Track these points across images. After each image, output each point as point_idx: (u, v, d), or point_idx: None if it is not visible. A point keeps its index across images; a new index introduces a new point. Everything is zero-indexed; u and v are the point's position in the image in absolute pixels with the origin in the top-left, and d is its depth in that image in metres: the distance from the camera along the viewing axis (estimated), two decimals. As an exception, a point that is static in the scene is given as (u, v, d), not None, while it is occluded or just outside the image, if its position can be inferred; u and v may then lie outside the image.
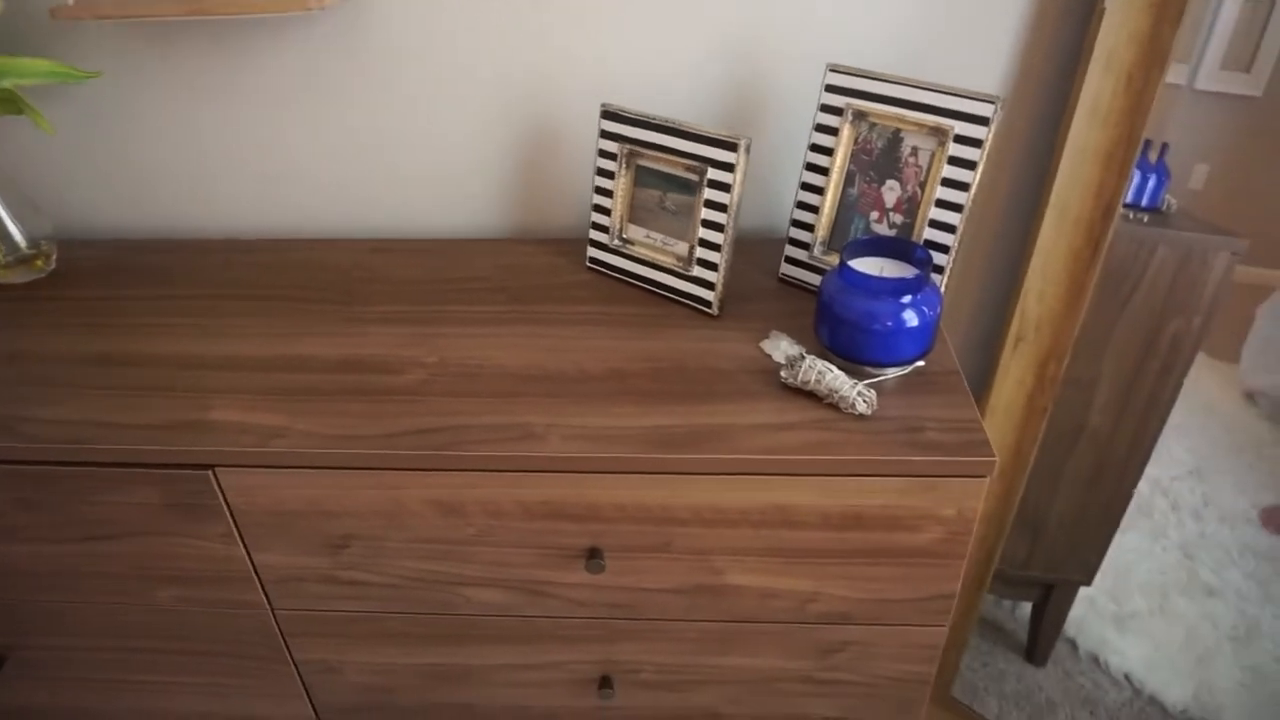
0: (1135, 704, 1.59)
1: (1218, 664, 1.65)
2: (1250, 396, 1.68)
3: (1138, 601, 1.76)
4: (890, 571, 0.88)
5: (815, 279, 1.02)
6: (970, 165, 0.89)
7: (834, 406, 0.85)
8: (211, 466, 0.86)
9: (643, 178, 1.02)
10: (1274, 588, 1.74)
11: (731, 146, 0.93)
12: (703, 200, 0.96)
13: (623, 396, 0.88)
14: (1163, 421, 1.41)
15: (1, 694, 1.09)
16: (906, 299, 0.85)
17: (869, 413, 0.84)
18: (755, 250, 1.11)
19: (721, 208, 0.95)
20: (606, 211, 1.05)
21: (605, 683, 1.00)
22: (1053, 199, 1.04)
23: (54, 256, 1.13)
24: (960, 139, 0.89)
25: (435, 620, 0.96)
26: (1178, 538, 1.84)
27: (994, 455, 0.79)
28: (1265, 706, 1.58)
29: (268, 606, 0.97)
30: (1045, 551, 1.55)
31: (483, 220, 1.20)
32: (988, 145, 0.88)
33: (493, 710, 1.05)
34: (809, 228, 1.01)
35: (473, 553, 0.90)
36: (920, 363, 0.90)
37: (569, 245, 1.15)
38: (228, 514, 0.89)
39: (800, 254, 1.03)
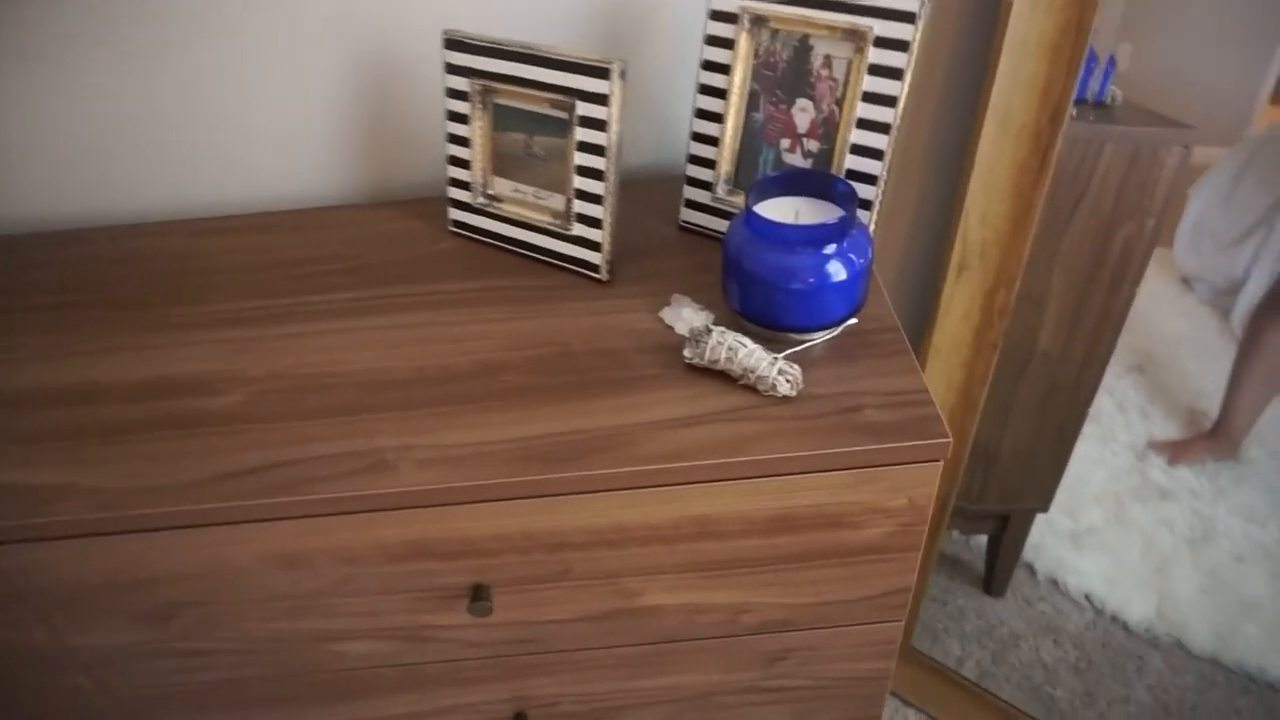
0: (1098, 625, 1.52)
1: (1177, 572, 1.59)
2: (1187, 282, 1.58)
3: (1093, 514, 1.69)
4: (832, 573, 0.74)
5: (722, 225, 0.85)
6: (895, 74, 0.72)
7: (752, 388, 0.69)
8: (-26, 545, 0.67)
9: (503, 119, 0.83)
10: (1223, 480, 1.68)
11: (603, 73, 0.74)
12: (575, 142, 0.78)
13: (494, 399, 0.71)
14: (1116, 334, 1.30)
15: None
16: (830, 248, 0.69)
17: (794, 394, 0.68)
18: (650, 192, 0.94)
19: (599, 150, 0.77)
20: (464, 164, 0.86)
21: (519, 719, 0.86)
22: (992, 104, 0.88)
23: None
24: (882, 42, 0.72)
25: (307, 679, 0.80)
26: (1127, 439, 1.77)
27: (948, 435, 0.65)
28: (1226, 612, 1.53)
29: (97, 689, 0.80)
30: (999, 483, 1.45)
31: (331, 185, 0.99)
32: (915, 48, 0.71)
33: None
34: (709, 163, 0.84)
35: (332, 605, 0.74)
36: (852, 320, 0.74)
37: (432, 206, 0.95)
38: (20, 597, 0.71)
39: (701, 195, 0.86)
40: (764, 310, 0.72)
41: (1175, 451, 1.73)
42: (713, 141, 0.83)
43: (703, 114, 0.82)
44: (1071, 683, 1.42)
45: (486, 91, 0.81)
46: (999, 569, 1.54)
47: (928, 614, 1.51)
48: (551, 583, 0.74)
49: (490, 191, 0.86)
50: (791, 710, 0.89)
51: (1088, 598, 1.55)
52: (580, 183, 0.79)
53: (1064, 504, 1.68)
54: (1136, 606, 1.53)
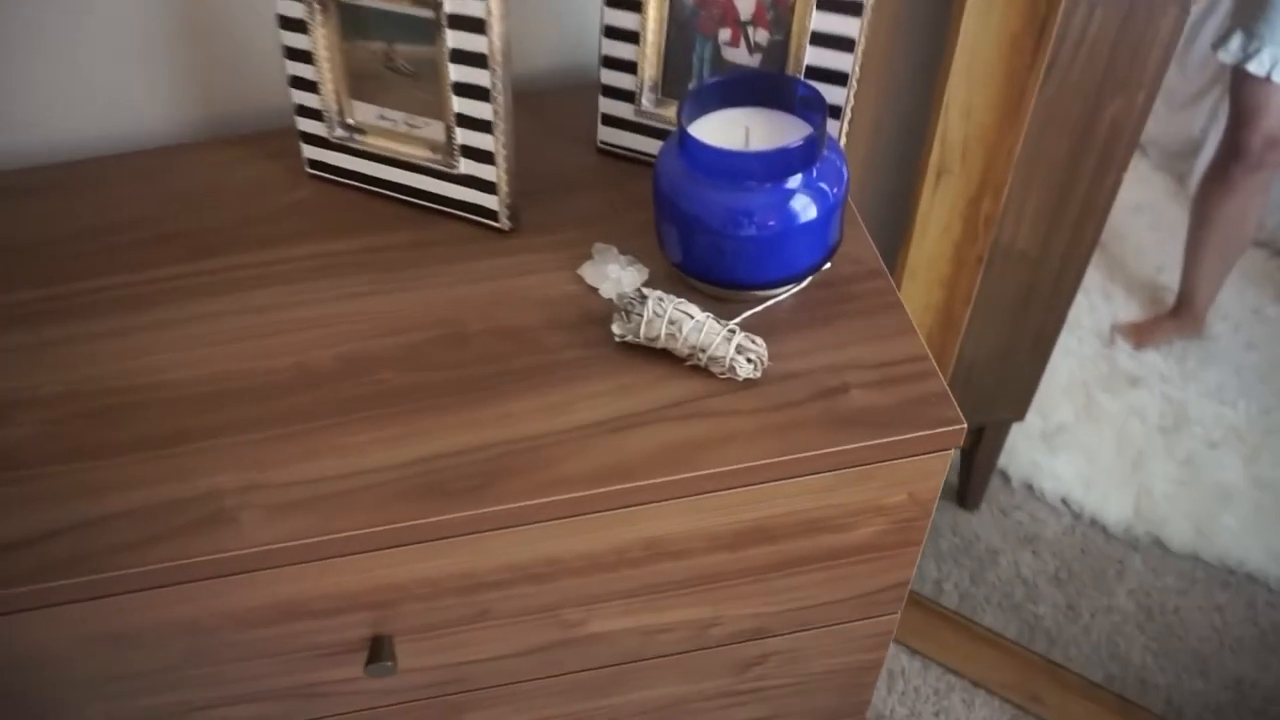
0: (1077, 530, 1.45)
1: (1152, 465, 1.52)
2: (1140, 147, 1.44)
3: (1064, 410, 1.60)
4: (815, 578, 0.61)
5: (651, 145, 0.67)
6: (868, -69, 0.53)
7: (704, 369, 0.53)
8: None
9: (352, 23, 0.62)
10: (1190, 363, 1.60)
11: (470, -50, 0.54)
12: (447, 50, 0.58)
13: (368, 408, 0.54)
14: (1099, 229, 1.15)
15: None
16: (794, 180, 0.52)
17: (758, 375, 0.52)
18: (560, 105, 0.74)
19: (479, 60, 0.57)
20: (311, 86, 0.65)
21: (457, 754, 0.73)
22: (978, -37, 0.70)
23: None
24: (847, -115, 0.53)
25: (184, 749, 0.65)
26: (1090, 324, 1.67)
27: (961, 419, 0.50)
28: (1204, 503, 1.47)
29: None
30: (973, 395, 1.32)
31: (151, 120, 0.77)
32: (892, -110, 0.52)
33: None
34: (629, 66, 0.65)
35: (187, 678, 0.58)
36: (826, 265, 0.58)
37: (286, 140, 0.73)
38: None
39: (622, 109, 0.67)
40: (711, 265, 0.55)
41: (1140, 334, 1.64)
42: (631, 37, 0.63)
43: (614, 0, 0.63)
44: (1053, 596, 1.35)
45: (323, -14, 0.60)
46: (973, 482, 1.45)
47: (900, 536, 1.42)
48: (470, 625, 0.59)
49: (349, 121, 0.66)
50: (769, 706, 0.77)
51: (1064, 501, 1.47)
52: (461, 105, 0.60)
53: (1034, 401, 1.58)
54: (1114, 506, 1.46)
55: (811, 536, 0.57)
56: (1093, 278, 1.68)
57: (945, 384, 0.51)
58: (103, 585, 0.49)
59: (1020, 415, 1.38)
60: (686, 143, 0.52)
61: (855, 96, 0.75)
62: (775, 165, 0.51)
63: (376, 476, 0.51)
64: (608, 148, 0.69)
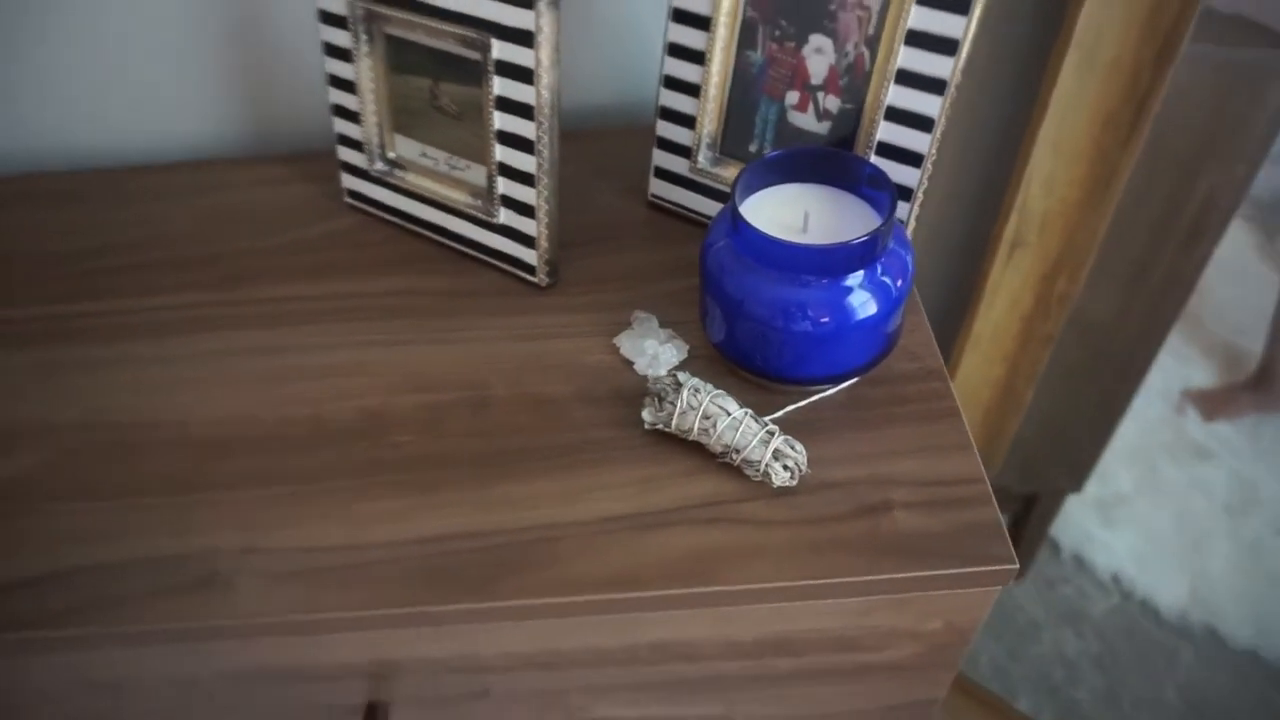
0: (1125, 611, 1.37)
1: (1214, 547, 1.43)
2: None
3: (1123, 478, 1.52)
4: (839, 690, 0.56)
5: (704, 205, 0.63)
6: (960, 6, 0.49)
7: (734, 468, 0.49)
8: None
9: (399, 57, 0.59)
10: (1266, 439, 1.50)
11: (525, 0, 0.51)
12: (491, 98, 0.55)
13: (380, 472, 0.51)
14: (1183, 302, 1.08)
15: None
16: (854, 278, 0.48)
17: (793, 484, 0.48)
18: (613, 148, 0.70)
19: (525, 110, 0.54)
20: (354, 116, 0.63)
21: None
22: (1078, 30, 0.64)
23: None
24: (940, -45, 0.48)
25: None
26: (1160, 386, 1.58)
27: (1013, 558, 0.45)
28: (1267, 594, 1.38)
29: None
30: (1027, 461, 1.26)
31: (194, 132, 0.75)
32: (991, -36, 0.47)
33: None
34: (687, 120, 0.61)
35: (179, 728, 0.56)
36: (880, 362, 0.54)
37: (329, 163, 0.71)
38: None
39: (677, 164, 0.63)
40: (754, 353, 0.51)
41: (1213, 404, 1.54)
42: (692, 90, 0.59)
43: (677, 50, 0.59)
44: (1094, 680, 1.28)
45: (372, 18, 0.58)
46: (1020, 552, 1.38)
47: (937, 599, 1.36)
48: (470, 701, 0.56)
49: (390, 155, 0.64)
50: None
51: (1115, 579, 1.39)
52: (503, 154, 0.56)
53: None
54: (1168, 589, 1.38)
55: (838, 654, 0.52)
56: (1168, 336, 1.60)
57: (999, 515, 0.46)
58: (94, 640, 0.47)
59: (1077, 487, 1.32)
60: (739, 224, 0.48)
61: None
62: (835, 260, 0.47)
63: (379, 553, 0.48)
64: (659, 202, 0.65)
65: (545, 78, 0.52)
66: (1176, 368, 1.59)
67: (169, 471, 0.52)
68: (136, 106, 0.73)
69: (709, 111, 0.59)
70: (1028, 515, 1.32)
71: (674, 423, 0.49)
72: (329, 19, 0.59)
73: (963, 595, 0.48)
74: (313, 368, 0.57)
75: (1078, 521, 1.45)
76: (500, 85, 0.54)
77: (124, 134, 0.74)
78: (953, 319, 0.88)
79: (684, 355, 0.55)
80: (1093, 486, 1.50)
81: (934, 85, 0.51)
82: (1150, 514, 1.45)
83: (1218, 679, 1.29)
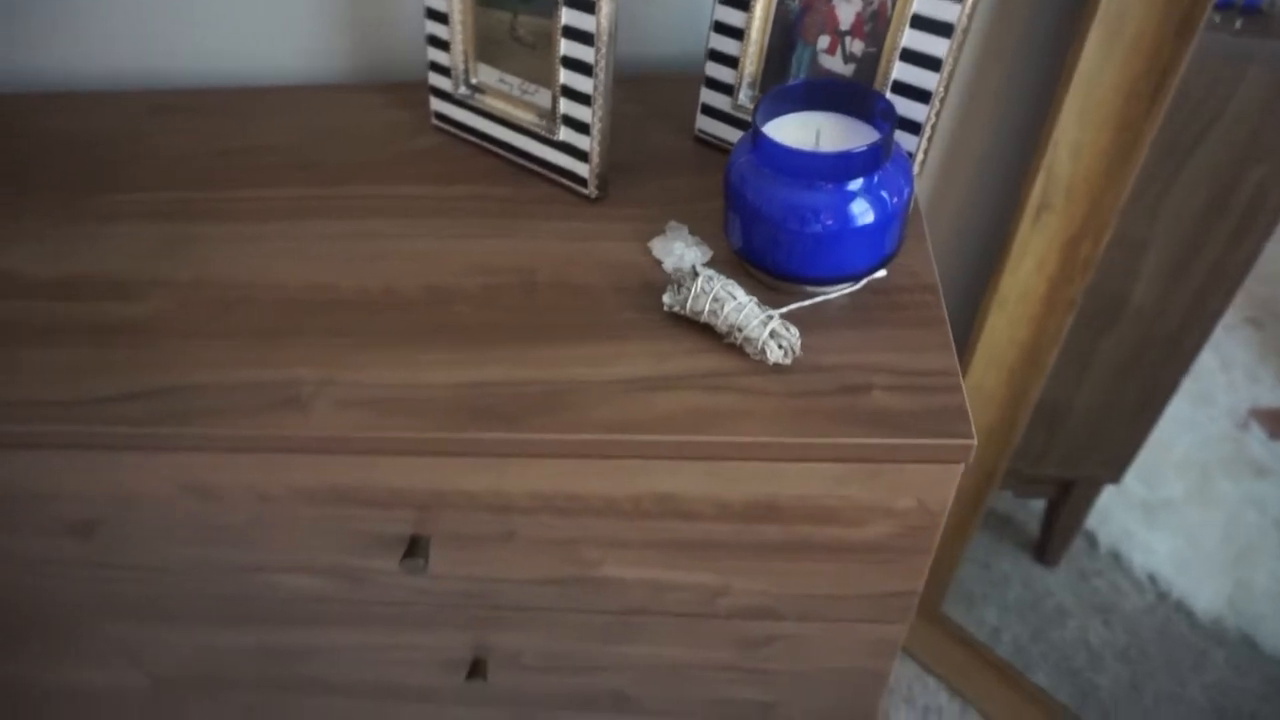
0: (1159, 611, 1.37)
1: (1259, 560, 1.42)
2: None
3: (1173, 485, 1.52)
4: (823, 568, 0.63)
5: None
6: (967, -45, 0.55)
7: (739, 350, 0.57)
8: None
9: (488, -9, 0.69)
10: (1335, 461, 1.48)
11: (594, -63, 0.59)
12: (560, 26, 0.64)
13: (438, 334, 0.61)
14: (1230, 294, 1.10)
15: None
16: (855, 184, 0.55)
17: (787, 362, 0.55)
18: (669, 92, 0.79)
19: (587, 37, 0.63)
20: (444, 44, 0.73)
21: (477, 668, 0.79)
22: (1102, 7, 0.70)
23: None
24: (953, -90, 0.55)
25: (243, 605, 0.74)
26: (1227, 403, 1.57)
27: (972, 435, 0.51)
28: (1311, 610, 1.36)
29: (27, 590, 0.75)
30: (1065, 446, 1.28)
31: (308, 59, 0.87)
32: (997, -81, 0.54)
33: (352, 684, 0.86)
34: (732, 61, 0.68)
35: (252, 538, 0.66)
36: (879, 273, 0.60)
37: (419, 91, 0.82)
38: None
39: (720, 101, 0.71)
40: (767, 254, 0.58)
41: (1280, 423, 1.53)
42: (737, 34, 0.67)
43: (727, -2, 0.67)
44: (1117, 671, 1.29)
45: (467, -44, 0.67)
46: (1055, 537, 1.40)
47: (966, 576, 1.39)
48: (497, 542, 0.65)
49: (474, 80, 0.73)
50: (771, 692, 0.79)
51: (1151, 578, 1.39)
52: (566, 77, 0.65)
53: (1141, 469, 1.50)
54: (1206, 594, 1.37)
55: (820, 525, 0.59)
56: (1240, 355, 1.59)
57: (966, 401, 0.53)
58: (190, 439, 0.57)
59: (1115, 478, 1.33)
60: (759, 140, 0.56)
61: (960, 125, 0.76)
62: (837, 167, 0.54)
63: (429, 391, 0.57)
64: (704, 136, 0.73)
65: (605, 8, 0.61)
66: (1248, 388, 1.58)
67: (263, 321, 0.63)
68: (261, 36, 0.85)
69: (750, 54, 0.67)
70: (1063, 501, 1.34)
71: (689, 305, 0.57)
72: (430, -43, 0.69)
73: (930, 471, 0.54)
74: (391, 251, 0.67)
75: (1120, 519, 1.46)
76: (567, 15, 0.63)
77: (249, 59, 0.86)
78: (980, 280, 0.93)
79: (707, 258, 0.63)
80: (1140, 488, 1.51)
81: (943, 29, 0.57)
82: (1197, 521, 1.45)
83: (1248, 684, 1.29)
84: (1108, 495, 1.43)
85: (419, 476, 0.59)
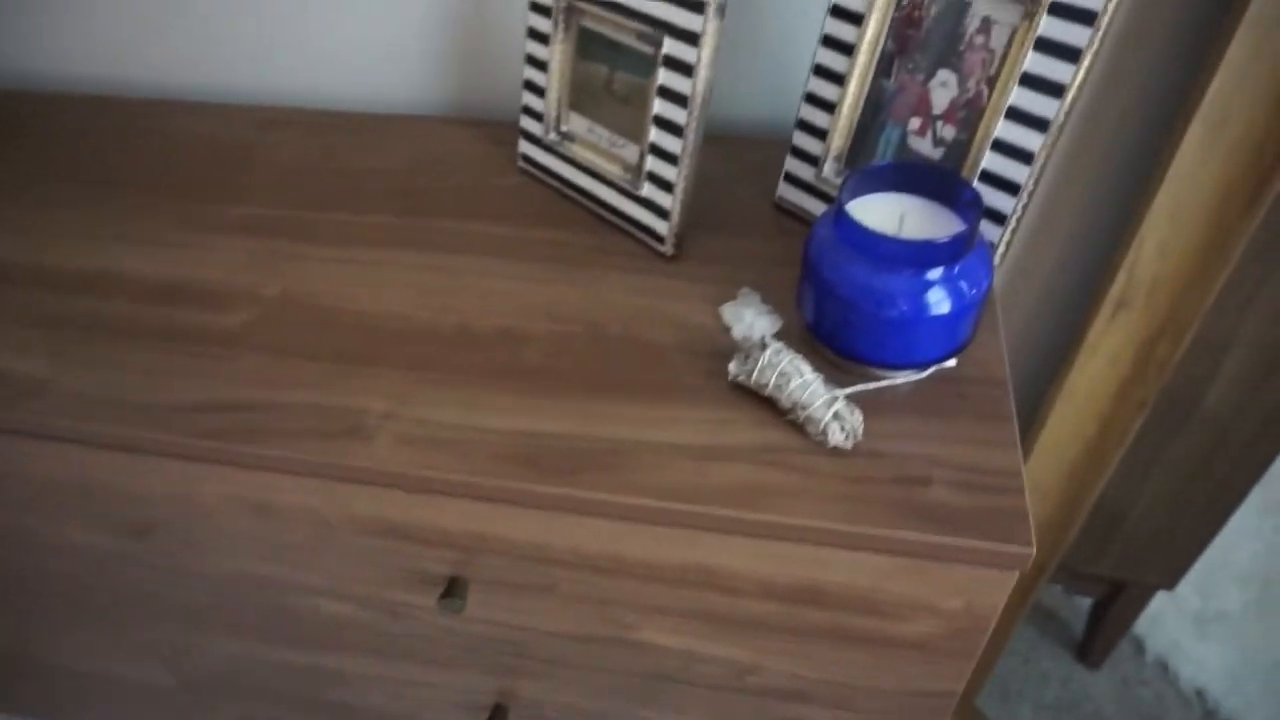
0: (1204, 728, 1.31)
1: (1320, 685, 1.35)
2: None
3: (1230, 596, 1.46)
4: (861, 658, 0.62)
5: (821, 210, 0.71)
6: (1071, 55, 0.55)
7: (799, 427, 0.56)
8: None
9: (587, 45, 0.70)
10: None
11: (697, 6, 0.60)
12: (656, 86, 0.65)
13: (504, 377, 0.61)
14: (1309, 410, 1.05)
15: None
16: (935, 273, 0.54)
17: (848, 445, 0.55)
18: (754, 156, 0.79)
19: (681, 99, 0.64)
20: (539, 91, 0.74)
21: (498, 713, 0.79)
22: (1206, 101, 0.68)
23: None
24: (1060, 10, 0.54)
25: (282, 623, 0.75)
26: (1296, 515, 1.51)
27: (1031, 544, 0.50)
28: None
29: (81, 584, 0.78)
30: (1121, 547, 1.24)
31: (408, 90, 0.90)
32: (1105, 22, 0.53)
33: (375, 713, 0.86)
34: (820, 134, 0.69)
35: (304, 560, 0.67)
36: (949, 363, 0.59)
37: (509, 131, 0.84)
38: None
39: (805, 171, 0.71)
40: (837, 332, 0.58)
41: (1354, 542, 1.46)
42: (829, 107, 0.67)
43: (821, 71, 0.67)
44: (1155, 789, 1.23)
45: (571, 10, 0.69)
46: (1100, 638, 1.35)
47: (1004, 670, 1.34)
48: (536, 594, 0.64)
49: (564, 128, 0.75)
50: (798, 775, 0.77)
51: (1200, 694, 1.33)
52: (656, 136, 0.66)
53: (1196, 577, 1.45)
54: (1257, 717, 1.31)
55: (863, 615, 0.58)
56: (1313, 465, 1.52)
57: (1028, 505, 0.51)
58: (257, 458, 0.58)
59: (1170, 584, 1.28)
60: (840, 215, 0.55)
61: (1045, 213, 0.75)
62: (919, 254, 0.54)
63: (491, 434, 0.57)
64: (784, 204, 0.73)
65: (703, 73, 0.62)
66: (1319, 499, 1.51)
67: (339, 345, 0.64)
68: (367, 64, 0.88)
69: (840, 128, 0.67)
70: (1112, 602, 1.30)
71: (754, 377, 0.57)
72: (536, 8, 0.71)
73: (983, 574, 0.52)
74: (468, 288, 0.68)
75: (1171, 628, 1.40)
76: (664, 76, 0.64)
77: (361, 85, 0.90)
78: (1050, 372, 0.91)
79: (776, 329, 0.63)
80: (1194, 597, 1.45)
81: (1040, 124, 0.57)
82: (1254, 637, 1.39)
83: (1295, 820, 1.22)
84: (1160, 601, 1.38)
85: (466, 519, 0.60)
